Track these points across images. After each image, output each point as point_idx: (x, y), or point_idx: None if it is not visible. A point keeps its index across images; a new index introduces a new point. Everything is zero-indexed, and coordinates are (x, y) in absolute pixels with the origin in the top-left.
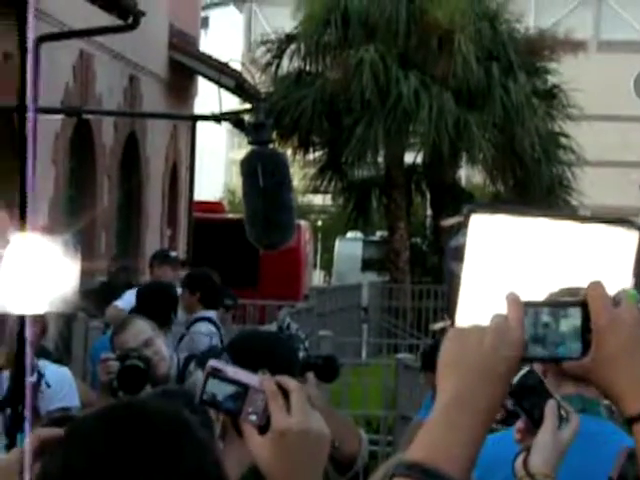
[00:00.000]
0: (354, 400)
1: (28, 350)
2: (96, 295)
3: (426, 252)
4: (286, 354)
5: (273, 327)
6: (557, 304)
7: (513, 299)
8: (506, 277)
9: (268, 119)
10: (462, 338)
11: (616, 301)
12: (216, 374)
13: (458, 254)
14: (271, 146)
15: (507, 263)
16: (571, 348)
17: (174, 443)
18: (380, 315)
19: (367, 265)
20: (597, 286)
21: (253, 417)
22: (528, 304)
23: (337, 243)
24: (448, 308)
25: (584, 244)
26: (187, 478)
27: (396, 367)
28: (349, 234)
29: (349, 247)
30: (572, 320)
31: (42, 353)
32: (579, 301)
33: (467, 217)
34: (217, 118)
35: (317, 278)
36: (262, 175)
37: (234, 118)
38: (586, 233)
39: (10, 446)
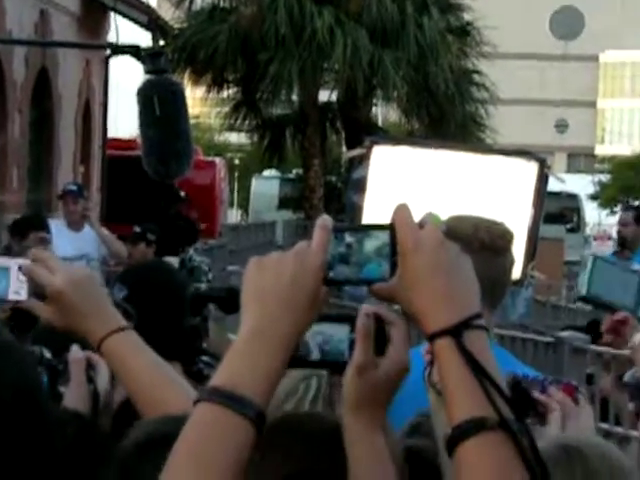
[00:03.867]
0: None
1: None
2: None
3: (341, 189)
4: (175, 286)
5: (175, 261)
6: (365, 227)
7: (320, 224)
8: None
9: (170, 51)
10: (262, 267)
11: (421, 224)
12: None
13: (360, 185)
14: (168, 76)
15: (408, 193)
16: (378, 270)
17: None
18: None
19: (283, 203)
20: (403, 209)
21: (21, 295)
22: (336, 229)
23: (253, 181)
24: None
25: (484, 175)
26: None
27: None
28: (265, 172)
29: (265, 185)
30: (377, 242)
31: None
32: (386, 225)
33: (369, 149)
34: (118, 49)
35: (234, 216)
36: (158, 104)
37: (134, 50)
38: (486, 164)
39: None
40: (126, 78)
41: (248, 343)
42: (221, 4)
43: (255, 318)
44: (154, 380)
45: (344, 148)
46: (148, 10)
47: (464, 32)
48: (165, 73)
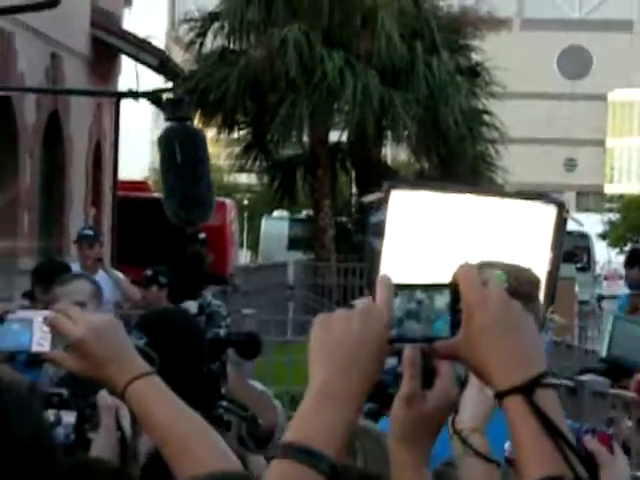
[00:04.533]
0: (279, 377)
1: None
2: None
3: (351, 230)
4: (194, 332)
5: (194, 305)
6: (429, 285)
7: (381, 281)
8: (426, 252)
9: (188, 96)
10: (328, 325)
11: (484, 282)
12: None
13: (379, 230)
14: (189, 123)
15: (427, 238)
16: (441, 328)
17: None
18: (306, 293)
19: (293, 244)
20: (466, 267)
21: (44, 347)
22: (399, 286)
23: (263, 222)
24: (369, 284)
25: (503, 219)
26: (20, 442)
27: None
28: (275, 213)
29: (275, 226)
30: (444, 299)
31: None
32: (447, 283)
33: (387, 193)
34: (135, 95)
35: (244, 257)
36: (179, 151)
37: (153, 96)
38: (505, 208)
39: None
40: (134, 120)
41: (319, 399)
42: (231, 47)
43: (324, 375)
44: (181, 428)
45: (354, 189)
46: (158, 53)
47: (473, 72)
48: (186, 120)
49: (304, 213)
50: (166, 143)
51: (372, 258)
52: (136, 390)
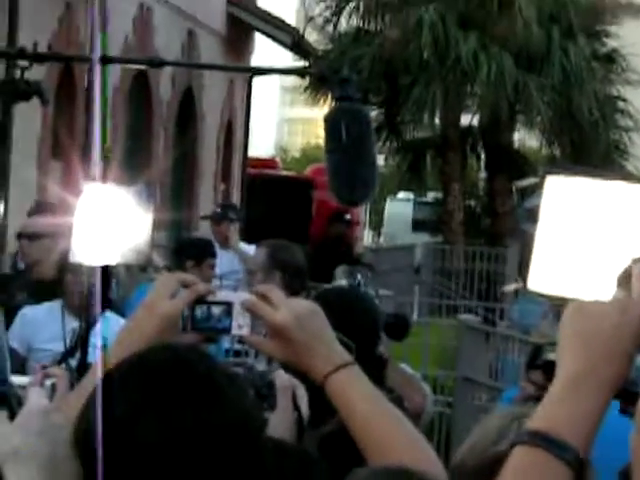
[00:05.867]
0: (413, 360)
1: (98, 303)
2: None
3: (479, 214)
4: (369, 310)
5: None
6: None
7: (637, 274)
8: (580, 240)
9: (355, 75)
10: (584, 313)
11: None
12: (201, 300)
13: (533, 215)
14: (356, 103)
15: (581, 226)
16: None
17: (217, 388)
18: (432, 276)
19: (418, 226)
20: None
21: (243, 330)
22: None
23: (388, 203)
24: (521, 269)
25: None
26: (233, 422)
27: (458, 328)
28: (400, 195)
29: (400, 208)
30: None
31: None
32: None
33: (543, 179)
34: (306, 73)
35: (366, 238)
36: (345, 131)
37: (322, 76)
38: None
39: None
40: (262, 98)
41: (570, 388)
42: (366, 27)
43: (577, 362)
44: (380, 422)
45: (483, 173)
46: (292, 31)
47: (609, 59)
48: (354, 100)
49: (429, 196)
50: (333, 122)
51: (526, 243)
52: (337, 381)
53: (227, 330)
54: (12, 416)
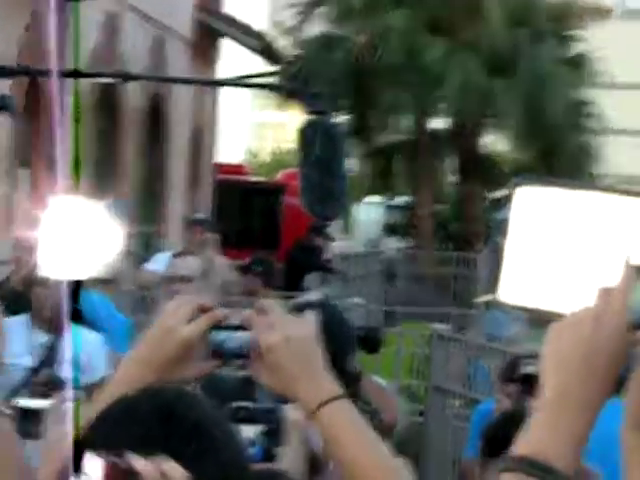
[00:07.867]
0: (385, 369)
1: (66, 318)
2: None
3: (449, 218)
4: (341, 324)
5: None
6: None
7: (625, 276)
8: (550, 251)
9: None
10: (560, 332)
11: None
12: (218, 325)
13: (503, 227)
14: (328, 117)
15: (551, 236)
16: None
17: (222, 431)
18: (403, 282)
19: (388, 230)
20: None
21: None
22: None
23: (357, 207)
24: (493, 281)
25: (633, 219)
26: (231, 465)
27: (430, 337)
28: (366, 199)
29: (369, 212)
30: None
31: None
32: None
33: (513, 190)
34: (276, 88)
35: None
36: (319, 145)
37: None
38: (635, 207)
39: None
40: (232, 103)
41: (552, 410)
42: (334, 32)
43: (557, 384)
44: (368, 461)
45: (453, 177)
46: (261, 37)
47: (577, 62)
48: (326, 114)
49: (397, 200)
50: (305, 137)
51: (496, 255)
52: (328, 414)
53: (245, 355)
54: None
